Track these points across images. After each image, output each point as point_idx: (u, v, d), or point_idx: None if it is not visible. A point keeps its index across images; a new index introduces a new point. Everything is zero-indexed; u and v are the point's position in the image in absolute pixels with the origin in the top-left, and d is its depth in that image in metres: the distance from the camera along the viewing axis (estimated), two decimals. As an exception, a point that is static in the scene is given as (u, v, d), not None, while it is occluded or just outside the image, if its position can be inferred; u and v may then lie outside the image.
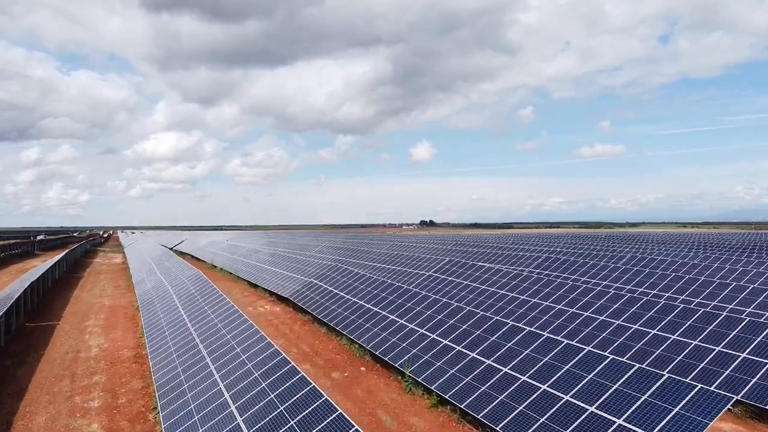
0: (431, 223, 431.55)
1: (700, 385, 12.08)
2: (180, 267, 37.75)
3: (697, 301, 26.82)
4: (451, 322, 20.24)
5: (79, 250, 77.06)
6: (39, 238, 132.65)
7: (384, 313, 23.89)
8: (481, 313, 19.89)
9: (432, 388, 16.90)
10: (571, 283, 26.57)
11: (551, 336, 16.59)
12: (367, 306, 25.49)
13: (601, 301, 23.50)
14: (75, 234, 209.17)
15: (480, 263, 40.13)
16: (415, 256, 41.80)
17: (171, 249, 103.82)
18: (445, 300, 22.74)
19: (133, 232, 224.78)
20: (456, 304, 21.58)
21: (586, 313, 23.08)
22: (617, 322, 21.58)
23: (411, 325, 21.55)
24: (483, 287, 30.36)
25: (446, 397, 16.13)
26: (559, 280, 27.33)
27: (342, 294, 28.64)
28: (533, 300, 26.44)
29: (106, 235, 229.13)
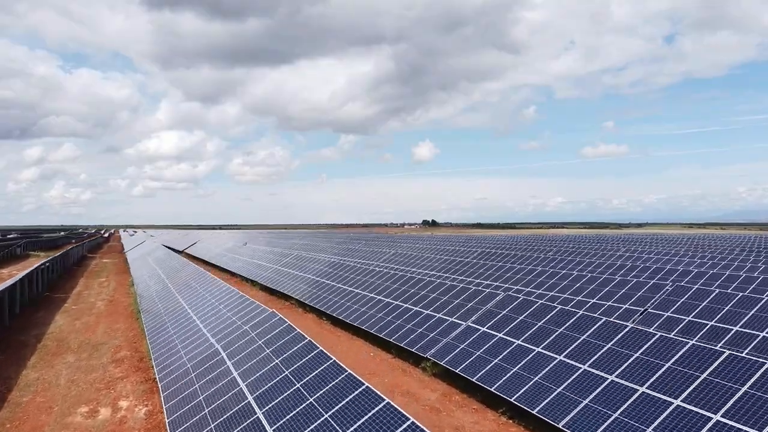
0: (434, 223, 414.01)
1: None
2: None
3: None
4: None
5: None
6: (11, 237, 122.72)
7: None
8: None
9: None
10: None
11: None
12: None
13: None
14: (61, 233, 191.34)
15: (582, 300, 22.50)
16: (436, 282, 23.96)
17: (125, 252, 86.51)
18: None
19: (125, 231, 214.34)
20: None
21: None
22: None
23: None
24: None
25: None
26: None
27: (255, 410, 10.80)
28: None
29: (92, 232, 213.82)
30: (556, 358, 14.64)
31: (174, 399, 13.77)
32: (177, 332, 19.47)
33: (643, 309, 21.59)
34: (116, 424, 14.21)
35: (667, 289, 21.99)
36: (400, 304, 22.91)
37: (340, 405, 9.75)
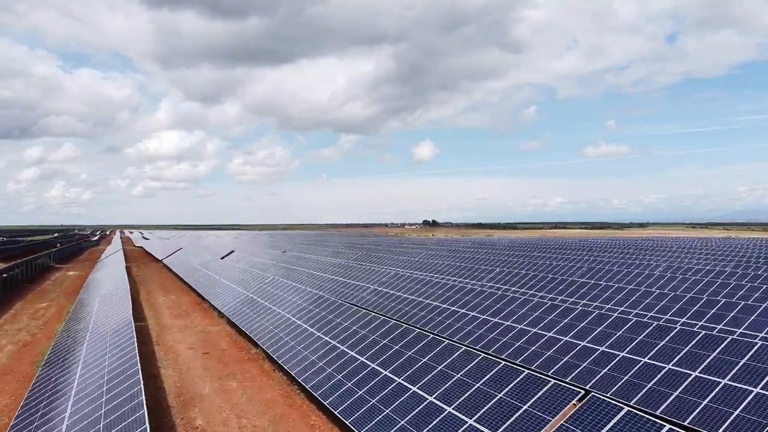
0: (434, 223, 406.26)
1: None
2: None
3: None
4: None
5: None
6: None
7: None
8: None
9: None
10: None
11: None
12: None
13: None
14: (55, 234, 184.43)
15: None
16: (462, 350, 16.06)
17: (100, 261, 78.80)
18: None
19: (120, 232, 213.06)
20: None
21: None
22: None
23: None
24: None
25: None
26: None
27: None
28: None
29: (86, 233, 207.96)
30: None
31: None
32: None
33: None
34: None
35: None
36: (407, 385, 14.96)
37: None
